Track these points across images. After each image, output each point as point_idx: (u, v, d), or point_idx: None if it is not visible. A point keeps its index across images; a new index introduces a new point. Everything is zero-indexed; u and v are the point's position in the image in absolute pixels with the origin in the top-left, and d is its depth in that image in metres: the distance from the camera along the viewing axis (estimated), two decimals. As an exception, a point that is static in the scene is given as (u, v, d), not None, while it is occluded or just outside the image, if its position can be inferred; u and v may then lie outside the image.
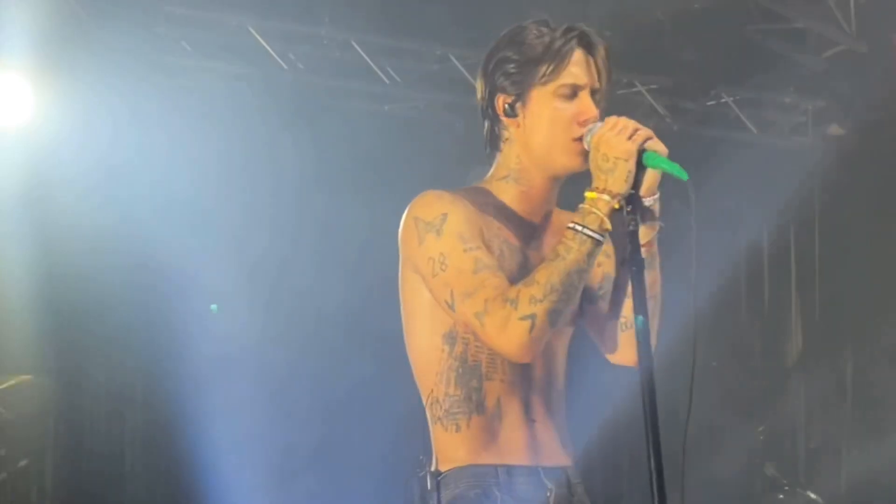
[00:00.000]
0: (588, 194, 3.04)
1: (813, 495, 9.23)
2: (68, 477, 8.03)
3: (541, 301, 3.00)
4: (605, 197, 3.02)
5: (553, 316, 3.02)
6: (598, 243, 3.03)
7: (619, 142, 3.02)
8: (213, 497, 7.91)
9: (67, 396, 7.97)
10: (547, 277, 3.01)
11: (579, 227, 3.02)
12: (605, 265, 3.36)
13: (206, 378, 7.87)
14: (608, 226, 3.03)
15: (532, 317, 3.00)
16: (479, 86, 3.31)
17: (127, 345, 7.79)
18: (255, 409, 8.08)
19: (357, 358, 8.14)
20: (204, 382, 7.85)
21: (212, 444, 7.95)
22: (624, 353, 3.33)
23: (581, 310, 3.39)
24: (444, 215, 3.15)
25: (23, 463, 7.82)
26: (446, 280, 3.11)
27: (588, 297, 3.38)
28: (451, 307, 3.12)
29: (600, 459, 8.92)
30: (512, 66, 3.22)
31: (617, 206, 3.02)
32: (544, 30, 3.23)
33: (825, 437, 9.58)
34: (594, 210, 3.02)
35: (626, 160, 3.01)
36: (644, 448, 2.80)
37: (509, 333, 3.02)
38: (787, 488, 9.24)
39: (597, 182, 3.03)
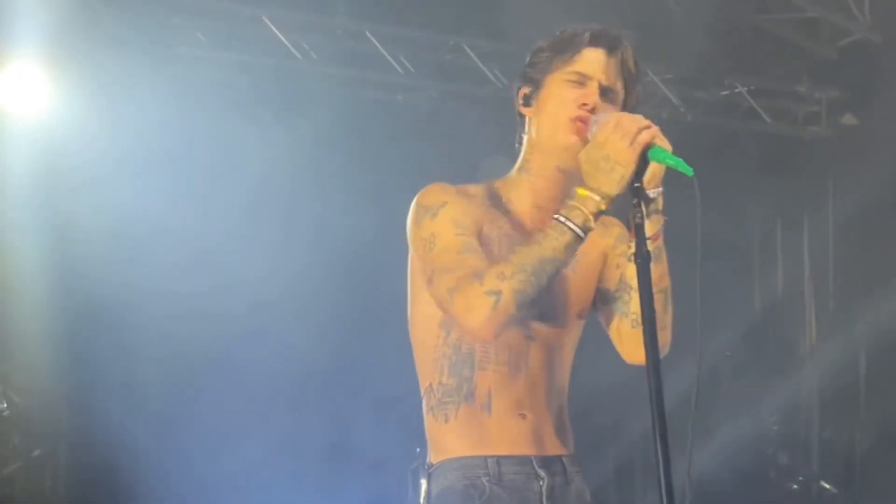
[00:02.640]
0: (579, 191, 3.06)
1: (826, 485, 9.23)
2: (81, 467, 8.05)
3: (508, 278, 3.03)
4: (595, 196, 3.03)
5: (518, 297, 3.03)
6: (577, 237, 3.05)
7: (623, 147, 3.00)
8: (223, 488, 7.93)
9: (81, 386, 7.99)
10: (519, 259, 3.05)
11: (562, 219, 3.05)
12: (623, 267, 3.38)
13: (219, 371, 7.89)
14: (592, 225, 3.05)
15: (497, 293, 3.03)
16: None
17: (141, 335, 7.80)
18: (264, 403, 8.11)
19: (366, 352, 8.16)
20: (217, 375, 7.88)
21: (223, 436, 7.97)
22: (639, 351, 3.13)
23: (597, 310, 3.45)
24: (444, 203, 3.25)
25: (36, 452, 7.86)
26: (432, 258, 3.19)
27: (604, 298, 3.43)
28: (430, 283, 3.18)
29: (610, 449, 8.94)
30: (538, 55, 3.35)
31: (604, 208, 3.03)
32: (577, 28, 3.33)
33: (838, 426, 9.58)
34: (581, 206, 3.04)
35: (625, 166, 3.00)
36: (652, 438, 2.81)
37: (474, 308, 3.04)
38: (800, 478, 9.25)
39: (590, 181, 3.04)
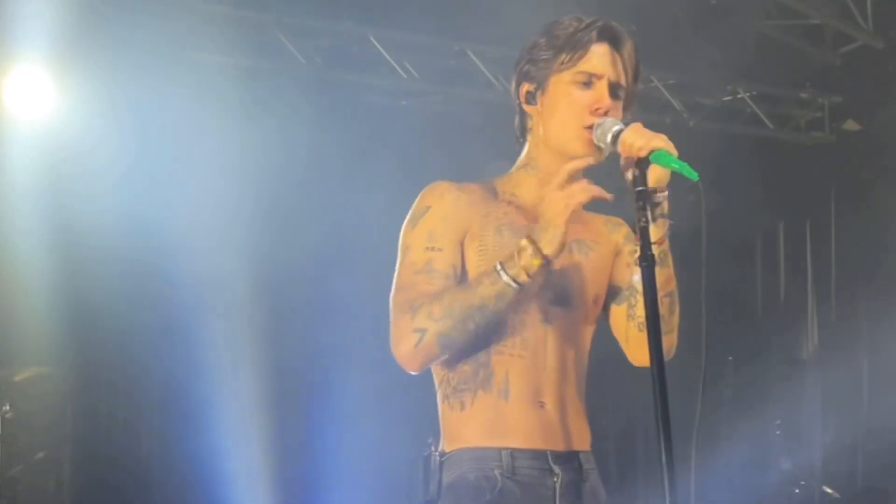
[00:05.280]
0: (521, 241, 3.06)
1: (829, 490, 9.24)
2: (85, 469, 8.06)
3: (436, 321, 3.09)
4: (529, 250, 3.04)
5: (441, 339, 3.10)
6: (509, 287, 3.06)
7: (558, 208, 3.03)
8: (228, 488, 7.94)
9: (85, 389, 8.01)
10: (450, 301, 3.10)
11: (498, 267, 3.07)
12: (632, 266, 3.32)
13: (223, 373, 7.90)
14: (524, 279, 3.05)
15: (422, 332, 3.10)
16: (513, 79, 3.38)
17: (145, 338, 7.82)
18: (269, 403, 8.12)
19: (371, 352, 8.17)
20: (221, 377, 7.89)
21: (228, 437, 7.98)
22: (644, 354, 3.04)
23: (606, 310, 3.42)
24: (427, 208, 3.26)
25: (40, 455, 7.85)
26: (398, 269, 3.24)
27: (615, 296, 3.41)
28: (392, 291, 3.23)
29: (616, 451, 8.95)
30: (538, 52, 3.29)
31: (537, 263, 3.04)
32: (574, 22, 3.27)
33: (841, 431, 9.58)
34: (517, 258, 3.05)
35: (556, 227, 3.03)
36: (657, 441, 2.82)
37: (398, 340, 3.14)
38: (802, 482, 9.26)
39: (533, 232, 3.06)
